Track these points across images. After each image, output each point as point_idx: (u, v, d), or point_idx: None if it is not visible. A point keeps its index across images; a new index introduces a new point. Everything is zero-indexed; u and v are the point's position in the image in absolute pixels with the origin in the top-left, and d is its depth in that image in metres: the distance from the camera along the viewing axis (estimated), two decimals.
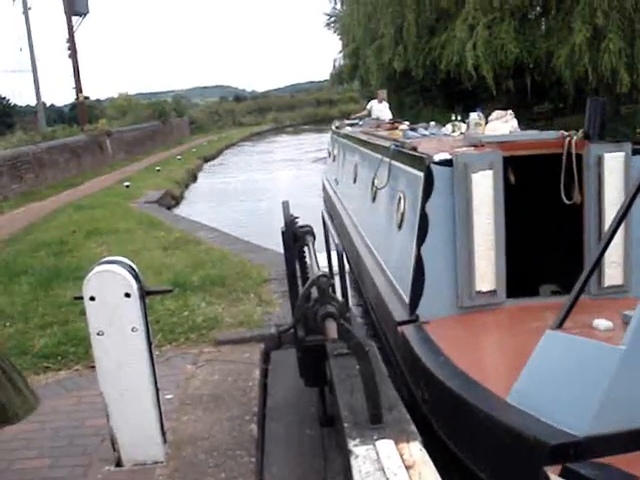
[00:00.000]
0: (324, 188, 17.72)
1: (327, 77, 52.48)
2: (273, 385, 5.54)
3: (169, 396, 5.08)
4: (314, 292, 2.84)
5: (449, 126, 8.92)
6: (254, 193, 23.81)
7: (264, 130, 73.37)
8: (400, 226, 6.57)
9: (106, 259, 3.96)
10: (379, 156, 8.10)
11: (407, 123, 12.53)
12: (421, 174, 5.83)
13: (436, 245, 5.63)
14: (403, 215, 6.49)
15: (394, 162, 7.12)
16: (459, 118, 8.79)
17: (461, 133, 8.25)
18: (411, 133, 8.80)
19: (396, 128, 11.32)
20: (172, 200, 21.02)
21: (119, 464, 4.12)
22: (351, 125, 16.45)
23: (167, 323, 6.69)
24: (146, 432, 4.08)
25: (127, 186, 20.39)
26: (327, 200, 15.85)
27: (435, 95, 35.50)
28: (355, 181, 11.29)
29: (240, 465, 4.10)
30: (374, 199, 8.56)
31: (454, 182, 5.54)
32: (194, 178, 29.82)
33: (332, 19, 47.32)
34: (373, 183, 8.56)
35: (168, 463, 4.13)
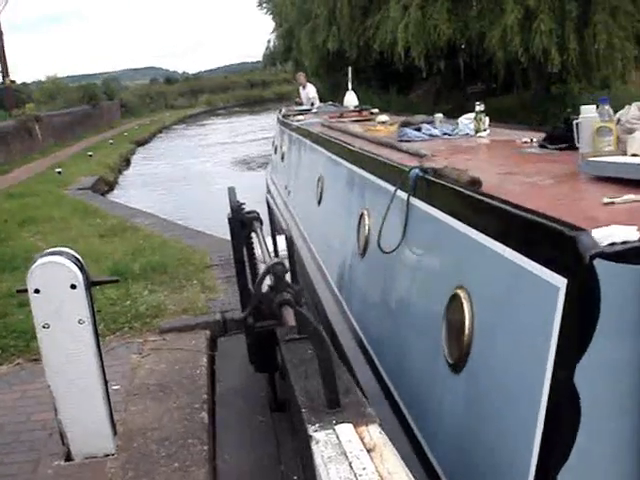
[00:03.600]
0: (269, 191, 13.30)
1: (260, 58, 51.97)
2: (221, 372, 5.52)
3: (116, 387, 5.02)
4: (268, 279, 2.83)
5: (464, 120, 6.08)
6: (188, 177, 23.62)
7: (197, 112, 72.73)
8: (458, 368, 3.06)
9: (50, 250, 3.88)
10: (374, 180, 4.97)
11: (376, 110, 10.42)
12: (558, 282, 2.34)
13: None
14: (469, 349, 3.00)
15: (417, 203, 3.89)
16: (482, 108, 5.84)
17: (484, 130, 5.82)
18: (413, 133, 5.94)
19: (368, 119, 9.05)
20: (106, 186, 20.73)
21: (69, 458, 4.07)
22: (301, 112, 13.14)
23: (109, 313, 6.59)
24: (96, 425, 4.03)
25: (59, 172, 19.99)
26: (274, 209, 9.67)
27: (369, 76, 35.57)
28: (320, 202, 7.44)
29: (193, 454, 4.09)
30: (364, 254, 4.95)
31: None
32: (127, 163, 29.42)
33: None
34: (361, 226, 5.10)
35: (119, 455, 4.09)
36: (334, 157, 6.96)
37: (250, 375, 5.09)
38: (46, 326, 3.79)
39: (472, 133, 5.84)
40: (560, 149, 4.24)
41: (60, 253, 3.83)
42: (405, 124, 6.33)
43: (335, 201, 6.76)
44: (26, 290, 3.79)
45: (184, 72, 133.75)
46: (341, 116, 10.21)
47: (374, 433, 2.52)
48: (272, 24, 43.70)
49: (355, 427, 2.57)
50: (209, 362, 5.60)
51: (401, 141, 5.65)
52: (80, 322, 3.82)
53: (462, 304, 3.06)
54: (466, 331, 3.01)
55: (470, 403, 2.98)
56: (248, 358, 4.63)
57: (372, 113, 10.14)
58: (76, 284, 3.76)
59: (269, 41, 43.80)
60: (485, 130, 5.79)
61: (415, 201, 3.88)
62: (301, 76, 16.27)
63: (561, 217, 2.46)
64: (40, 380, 5.22)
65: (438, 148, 5.05)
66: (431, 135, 5.93)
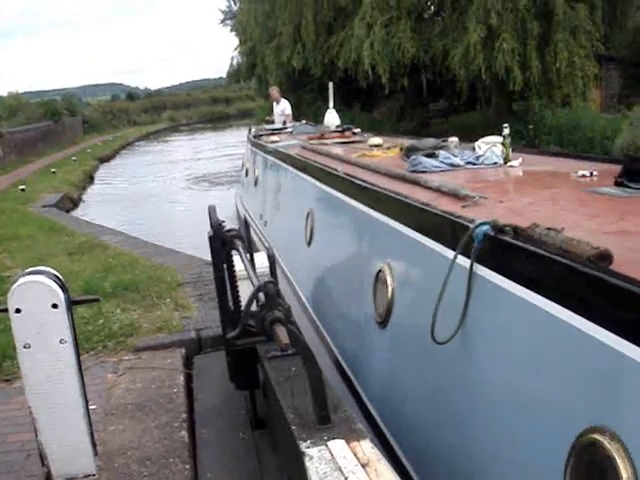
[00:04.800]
0: (239, 217, 12.33)
1: (223, 74, 52.03)
2: (199, 390, 5.50)
3: (93, 406, 4.96)
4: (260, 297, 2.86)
5: (483, 145, 5.17)
6: (154, 195, 23.57)
7: (160, 129, 72.51)
8: None
9: (31, 269, 3.84)
10: (399, 228, 3.94)
11: (359, 130, 9.86)
12: None
13: None
14: None
15: (487, 274, 2.84)
16: (506, 131, 4.95)
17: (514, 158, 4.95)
18: (428, 161, 4.86)
19: (354, 141, 8.26)
20: (70, 203, 20.55)
21: (49, 479, 4.01)
22: (273, 132, 12.30)
23: (82, 332, 6.49)
24: (76, 445, 3.99)
25: (23, 189, 19.73)
26: (250, 226, 8.39)
27: (333, 93, 35.84)
28: (310, 243, 6.29)
29: (175, 473, 4.08)
30: (385, 324, 3.95)
31: None
32: (91, 180, 29.22)
33: (228, 16, 47.00)
34: (379, 286, 4.09)
35: (100, 475, 4.06)
36: (328, 189, 5.81)
37: (228, 393, 5.10)
38: (27, 346, 3.75)
39: (500, 162, 4.93)
40: None
41: (41, 272, 3.80)
42: (412, 149, 5.36)
43: (335, 246, 5.54)
44: (6, 310, 3.76)
45: (146, 88, 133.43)
46: (322, 137, 9.25)
47: (366, 448, 2.57)
48: (236, 41, 43.82)
49: (347, 443, 2.61)
50: (186, 380, 5.59)
51: (414, 171, 4.67)
52: (62, 342, 3.79)
53: (613, 461, 1.91)
54: None
55: None
56: (228, 376, 4.64)
57: (354, 133, 9.54)
58: (58, 303, 3.73)
59: (233, 58, 43.91)
60: (518, 159, 4.93)
61: (482, 271, 2.83)
62: (274, 90, 15.26)
63: None
64: (14, 401, 5.18)
65: (473, 184, 4.07)
66: (452, 165, 4.87)
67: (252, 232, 5.11)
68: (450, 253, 3.05)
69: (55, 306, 3.74)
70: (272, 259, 4.21)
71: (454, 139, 5.55)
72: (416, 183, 4.25)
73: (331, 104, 11.39)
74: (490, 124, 24.45)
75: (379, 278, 4.08)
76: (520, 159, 4.92)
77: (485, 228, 2.79)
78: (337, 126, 10.51)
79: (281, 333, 2.59)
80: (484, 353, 2.85)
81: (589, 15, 20.88)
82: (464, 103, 28.50)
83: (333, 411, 2.87)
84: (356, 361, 4.49)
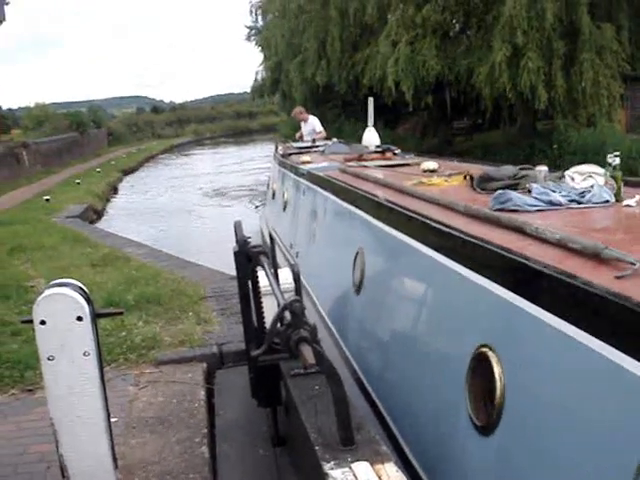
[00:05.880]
0: (263, 241, 9.65)
1: (247, 89, 52.46)
2: (220, 405, 5.48)
3: (114, 419, 4.92)
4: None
5: (576, 175, 4.19)
6: (179, 208, 23.73)
7: (184, 142, 73.08)
8: None
9: (56, 281, 3.85)
10: (513, 301, 2.73)
11: (399, 150, 9.03)
12: None
13: None
14: None
15: None
16: (616, 161, 4.01)
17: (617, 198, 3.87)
18: (519, 198, 3.83)
19: (399, 164, 7.37)
20: (94, 214, 20.70)
21: None
22: (302, 151, 11.24)
23: (104, 343, 6.45)
24: (97, 458, 3.97)
25: (47, 200, 19.93)
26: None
27: (357, 109, 35.91)
28: (360, 291, 5.05)
29: None
30: (491, 430, 2.75)
31: None
32: (115, 191, 29.47)
33: (253, 32, 47.38)
34: (478, 372, 2.91)
35: None
36: (385, 227, 4.70)
37: (249, 408, 5.07)
38: (51, 358, 3.75)
39: (612, 200, 3.86)
40: None
41: (67, 284, 3.80)
42: (486, 179, 4.52)
43: (398, 301, 4.42)
44: (31, 321, 3.76)
45: (171, 101, 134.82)
46: (360, 158, 8.32)
47: (391, 471, 2.53)
48: (260, 56, 44.19)
49: (371, 465, 2.58)
50: (207, 395, 5.57)
51: (501, 210, 3.71)
52: (85, 354, 3.78)
53: None
54: None
55: None
56: (250, 392, 4.61)
57: (395, 154, 8.77)
58: (82, 316, 3.73)
59: (257, 73, 44.30)
60: (633, 196, 3.84)
61: None
62: (298, 111, 14.12)
63: None
64: (35, 411, 5.20)
65: (598, 235, 2.99)
66: (551, 202, 3.82)
67: (277, 249, 5.06)
68: (616, 353, 2.09)
69: (80, 319, 3.73)
70: (297, 275, 4.19)
71: (543, 168, 4.47)
72: (517, 230, 3.18)
73: (370, 122, 9.92)
74: (514, 143, 24.52)
75: (479, 362, 2.91)
76: (637, 197, 3.79)
77: None
78: (377, 146, 9.44)
79: (307, 352, 2.57)
80: None
81: (615, 35, 20.79)
82: (488, 121, 28.40)
83: (357, 432, 2.84)
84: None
